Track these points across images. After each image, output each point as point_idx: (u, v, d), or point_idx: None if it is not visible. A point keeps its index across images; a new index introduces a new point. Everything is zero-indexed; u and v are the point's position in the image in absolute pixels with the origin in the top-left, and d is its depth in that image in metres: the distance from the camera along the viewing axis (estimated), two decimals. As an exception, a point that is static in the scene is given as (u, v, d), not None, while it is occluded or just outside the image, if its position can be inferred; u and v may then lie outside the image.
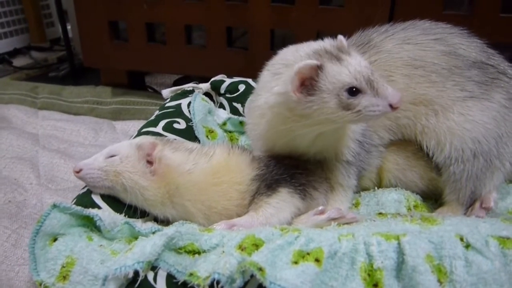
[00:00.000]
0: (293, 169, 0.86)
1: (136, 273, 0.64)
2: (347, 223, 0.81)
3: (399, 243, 0.67)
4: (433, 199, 1.01)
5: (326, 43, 0.81)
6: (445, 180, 0.94)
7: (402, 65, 0.93)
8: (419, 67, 0.92)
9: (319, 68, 0.76)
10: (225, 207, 0.83)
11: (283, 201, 0.83)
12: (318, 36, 1.56)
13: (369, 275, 0.66)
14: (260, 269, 0.60)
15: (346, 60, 0.78)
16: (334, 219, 0.82)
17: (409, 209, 0.96)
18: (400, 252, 0.67)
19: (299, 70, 0.75)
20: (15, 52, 2.70)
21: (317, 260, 0.64)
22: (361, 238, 0.69)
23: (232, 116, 1.31)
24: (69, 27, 2.41)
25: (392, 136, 0.98)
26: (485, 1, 1.37)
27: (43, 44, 2.86)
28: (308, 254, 0.65)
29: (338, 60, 0.77)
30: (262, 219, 0.81)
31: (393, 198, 0.98)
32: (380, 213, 0.94)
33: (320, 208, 0.84)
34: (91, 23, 1.81)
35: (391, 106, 0.76)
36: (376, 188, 1.02)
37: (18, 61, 2.61)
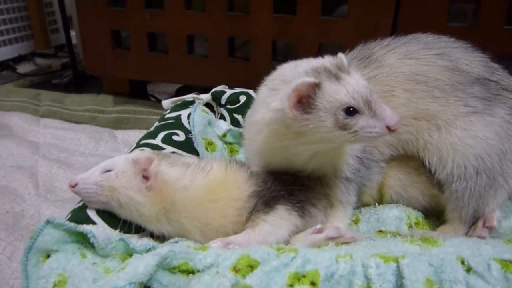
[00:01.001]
0: (291, 185, 0.85)
1: (128, 294, 0.63)
2: (345, 243, 0.80)
3: (398, 266, 0.66)
4: (435, 216, 0.99)
5: (326, 61, 0.80)
6: (447, 198, 0.92)
7: (404, 80, 0.91)
8: (421, 82, 0.91)
9: (316, 86, 0.75)
10: (221, 224, 0.82)
11: (281, 219, 0.81)
12: (320, 47, 1.55)
13: (366, 299, 0.64)
14: (254, 292, 0.58)
15: (345, 79, 0.76)
16: (332, 239, 0.80)
17: (410, 226, 0.95)
18: (399, 275, 0.65)
19: (297, 87, 0.74)
20: (20, 59, 2.72)
21: (313, 284, 0.62)
22: (359, 260, 0.67)
23: (233, 127, 1.30)
24: (73, 33, 2.42)
25: (393, 152, 0.96)
26: (489, 13, 1.35)
27: (48, 50, 2.87)
28: (304, 276, 0.63)
29: (337, 79, 0.76)
30: (259, 237, 0.79)
31: (394, 215, 0.96)
32: (381, 231, 0.92)
33: (318, 226, 0.82)
34: (93, 31, 1.81)
35: (388, 128, 0.75)
36: (376, 204, 1.01)
37: (23, 68, 2.62)
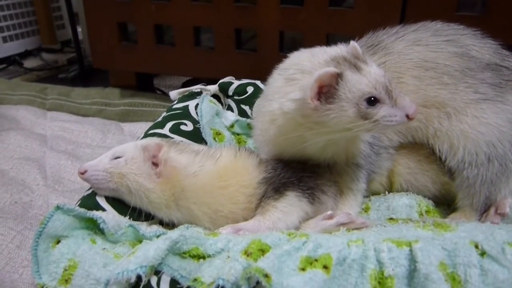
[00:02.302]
0: (301, 172, 0.84)
1: (139, 278, 0.62)
2: (356, 229, 0.79)
3: (411, 250, 0.65)
4: (445, 204, 0.98)
5: (343, 50, 0.80)
6: (458, 185, 0.91)
7: (413, 67, 0.91)
8: (430, 68, 0.90)
9: (339, 76, 0.74)
10: (231, 211, 0.81)
11: (291, 205, 0.81)
12: (327, 38, 1.54)
13: (379, 283, 0.63)
14: (266, 275, 0.58)
15: (365, 69, 0.76)
16: (343, 224, 0.80)
17: (420, 214, 0.94)
18: (412, 259, 0.64)
19: (320, 78, 0.73)
20: (26, 54, 2.72)
21: (325, 267, 0.62)
22: (371, 244, 0.66)
23: (240, 118, 1.29)
24: (79, 29, 2.42)
25: (402, 139, 0.95)
26: (498, 2, 1.34)
27: (54, 46, 2.87)
28: (316, 260, 0.63)
29: (357, 69, 0.76)
30: (269, 224, 0.79)
31: (404, 203, 0.95)
32: (391, 218, 0.92)
33: (329, 213, 0.82)
34: (100, 24, 1.81)
35: (407, 116, 0.75)
36: (386, 192, 1.00)
37: (29, 63, 2.62)
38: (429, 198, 0.98)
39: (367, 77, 0.75)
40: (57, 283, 0.67)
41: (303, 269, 0.62)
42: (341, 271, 0.64)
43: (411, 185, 0.98)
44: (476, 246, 0.65)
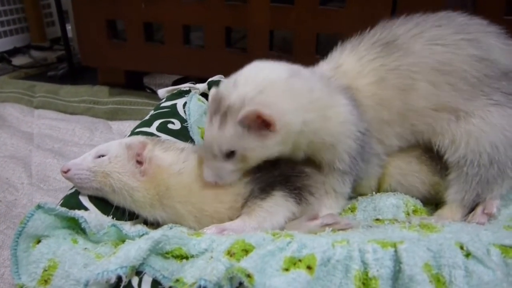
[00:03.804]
0: (289, 172, 0.83)
1: (119, 278, 0.61)
2: (341, 230, 0.78)
3: (395, 251, 0.64)
4: (433, 204, 0.98)
5: None
6: (453, 179, 0.89)
7: (428, 71, 0.86)
8: (447, 73, 0.86)
9: None
10: (216, 210, 0.80)
11: (277, 205, 0.80)
12: (318, 37, 1.53)
13: (363, 283, 0.62)
14: (248, 275, 0.57)
15: None
16: (328, 225, 0.79)
17: (407, 214, 0.93)
18: (397, 260, 0.63)
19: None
20: (15, 51, 2.69)
21: (309, 268, 0.61)
22: (356, 245, 0.66)
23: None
24: (69, 27, 2.40)
25: (403, 143, 0.93)
26: (488, 1, 1.34)
27: (43, 43, 2.84)
28: (299, 261, 0.62)
29: None
30: (255, 224, 0.78)
31: (391, 203, 0.95)
32: (377, 219, 0.91)
33: (313, 213, 0.81)
34: (89, 21, 1.79)
35: None
36: (374, 193, 0.99)
37: (18, 60, 2.59)
38: (416, 198, 0.97)
39: None
40: (37, 284, 0.66)
41: (287, 270, 0.61)
42: (325, 272, 0.63)
43: (401, 186, 0.97)
44: (461, 247, 0.64)
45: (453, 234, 0.68)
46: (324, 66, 0.94)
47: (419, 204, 0.96)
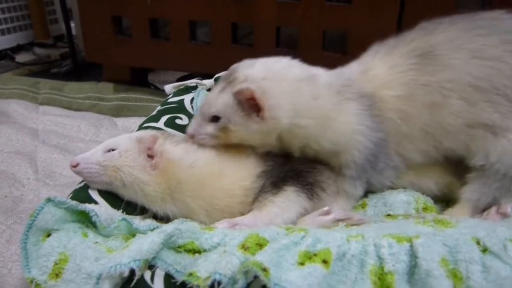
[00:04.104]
0: (301, 167, 0.83)
1: (132, 272, 0.60)
2: (354, 225, 0.77)
3: (411, 246, 0.63)
4: (444, 202, 0.97)
5: None
6: (473, 178, 0.85)
7: (464, 87, 0.80)
8: (484, 91, 0.80)
9: None
10: (227, 205, 0.79)
11: (289, 201, 0.79)
12: (324, 33, 1.52)
13: (379, 279, 0.62)
14: (264, 269, 0.56)
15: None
16: (340, 220, 0.78)
17: (417, 211, 0.92)
18: (413, 255, 0.63)
19: None
20: (18, 48, 2.68)
21: (324, 262, 0.60)
22: (371, 240, 0.65)
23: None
24: (72, 25, 2.39)
25: (427, 160, 0.89)
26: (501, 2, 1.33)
27: (47, 40, 2.84)
28: (315, 255, 0.61)
29: None
30: (266, 219, 0.77)
31: (402, 200, 0.93)
32: (389, 215, 0.90)
33: (326, 208, 0.80)
34: (94, 17, 1.78)
35: None
36: (384, 189, 0.98)
37: (21, 57, 2.59)
38: (427, 195, 0.96)
39: None
40: (47, 277, 0.65)
41: (302, 264, 0.60)
42: (340, 267, 0.62)
43: (413, 186, 0.95)
44: (478, 243, 0.63)
45: (468, 229, 0.67)
46: (354, 67, 0.91)
47: (429, 202, 0.95)
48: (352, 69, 0.91)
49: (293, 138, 0.83)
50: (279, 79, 0.79)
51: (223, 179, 0.80)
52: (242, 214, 0.80)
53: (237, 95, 0.78)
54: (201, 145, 0.84)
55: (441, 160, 0.88)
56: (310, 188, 0.81)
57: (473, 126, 0.82)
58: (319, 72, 0.85)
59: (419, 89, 0.82)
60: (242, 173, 0.81)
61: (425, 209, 0.93)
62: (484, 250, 0.63)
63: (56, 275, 0.65)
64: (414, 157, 0.88)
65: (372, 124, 0.84)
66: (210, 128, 0.82)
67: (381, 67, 0.87)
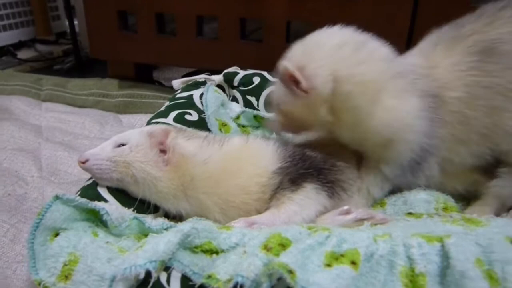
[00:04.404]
0: (320, 164, 0.79)
1: (148, 274, 0.57)
2: (377, 224, 0.74)
3: (442, 246, 0.60)
4: (465, 200, 0.93)
5: None
6: (505, 173, 0.81)
7: None
8: None
9: None
10: (244, 201, 0.76)
11: (308, 198, 0.75)
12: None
13: (410, 281, 0.58)
14: (290, 271, 0.52)
15: None
16: (362, 220, 0.74)
17: (437, 210, 0.88)
18: (444, 255, 0.59)
19: None
20: (20, 45, 2.64)
21: (353, 263, 0.56)
22: (400, 240, 0.61)
23: (246, 109, 1.24)
24: (76, 22, 2.36)
25: (476, 162, 0.84)
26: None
27: (49, 37, 2.80)
28: (342, 256, 0.57)
29: None
30: (285, 217, 0.73)
31: (422, 198, 0.89)
32: (410, 213, 0.86)
33: (346, 207, 0.76)
34: (99, 12, 1.74)
35: None
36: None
37: (23, 54, 2.54)
38: (448, 194, 0.92)
39: None
40: (56, 279, 0.61)
41: (329, 265, 0.56)
42: (368, 268, 0.58)
43: (437, 187, 0.91)
44: (512, 242, 0.60)
45: (500, 228, 0.63)
46: (416, 59, 0.85)
47: (450, 201, 0.90)
48: (415, 62, 0.85)
49: (344, 112, 0.78)
50: (314, 49, 0.78)
51: (238, 175, 0.76)
52: (258, 212, 0.76)
53: (281, 78, 0.78)
54: (217, 140, 0.80)
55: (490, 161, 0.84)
56: (330, 186, 0.77)
57: None
58: (373, 42, 0.80)
59: (481, 91, 0.77)
60: (259, 169, 0.77)
61: (445, 209, 0.89)
62: (519, 250, 0.59)
63: (66, 277, 0.61)
64: (464, 160, 0.84)
65: (429, 129, 0.79)
66: (276, 116, 0.86)
67: (442, 64, 0.82)
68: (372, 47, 0.79)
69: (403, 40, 1.40)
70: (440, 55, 0.83)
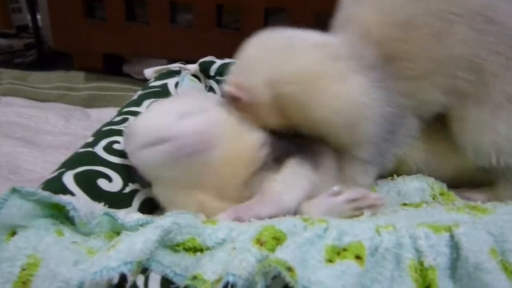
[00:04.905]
0: (299, 142, 0.74)
1: (123, 278, 0.48)
2: (371, 207, 0.68)
3: (451, 236, 0.54)
4: (456, 187, 0.89)
5: None
6: None
7: (474, 15, 0.74)
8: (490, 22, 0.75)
9: None
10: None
11: (293, 174, 0.70)
12: (316, 17, 1.43)
13: (420, 275, 0.52)
14: (289, 268, 0.45)
15: None
16: (354, 201, 0.68)
17: (434, 197, 0.84)
18: (454, 246, 0.53)
19: None
20: (-23, 38, 2.48)
21: (358, 257, 0.50)
22: (405, 230, 0.55)
23: (224, 99, 1.16)
24: (38, 16, 2.23)
25: (447, 97, 0.80)
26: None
27: (9, 30, 2.64)
28: (344, 250, 0.51)
29: None
30: (273, 200, 0.67)
31: (415, 187, 0.84)
32: (405, 204, 0.81)
33: (336, 188, 0.70)
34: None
35: None
36: (395, 176, 0.89)
37: (-20, 47, 2.39)
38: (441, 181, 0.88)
39: None
40: (12, 286, 0.52)
41: (331, 261, 0.49)
42: (373, 263, 0.52)
43: (426, 170, 0.87)
44: (523, 230, 0.55)
45: (509, 215, 0.59)
46: (347, 34, 0.80)
47: (445, 187, 0.87)
48: (348, 37, 0.80)
49: (294, 113, 0.75)
50: (246, 61, 0.79)
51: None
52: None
53: (227, 101, 0.78)
54: None
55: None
56: (312, 156, 0.72)
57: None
58: (300, 32, 0.78)
59: (419, 20, 0.75)
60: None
61: (442, 194, 0.85)
62: (531, 238, 0.55)
63: (24, 283, 0.52)
64: (435, 97, 0.79)
65: (387, 98, 0.76)
66: None
67: (371, 19, 0.78)
68: (299, 38, 0.77)
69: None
70: (367, 8, 0.80)
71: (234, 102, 0.76)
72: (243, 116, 0.77)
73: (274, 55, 0.75)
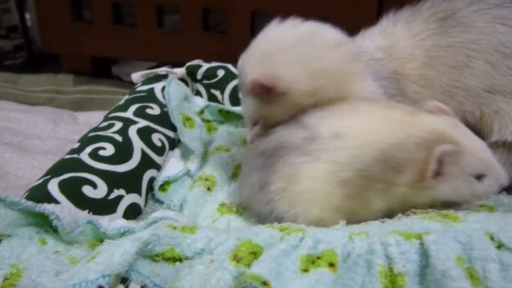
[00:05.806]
0: None
1: (102, 289, 0.50)
2: None
3: (421, 243, 0.56)
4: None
5: None
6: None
7: (488, 51, 0.80)
8: (508, 56, 0.80)
9: None
10: None
11: None
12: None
13: (389, 281, 0.54)
14: (265, 283, 0.48)
15: None
16: None
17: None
18: (424, 253, 0.56)
19: None
20: (-35, 39, 2.47)
21: (331, 265, 0.52)
22: (377, 238, 0.57)
23: (211, 103, 1.18)
24: (28, 16, 2.22)
25: None
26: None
27: (-2, 31, 2.63)
28: (318, 258, 0.53)
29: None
30: None
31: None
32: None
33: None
34: (50, 2, 1.63)
35: None
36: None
37: (-31, 49, 2.38)
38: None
39: None
40: (-5, 296, 0.54)
41: (306, 270, 0.52)
42: (345, 269, 0.54)
43: None
44: (492, 238, 0.57)
45: (479, 223, 0.61)
46: (373, 40, 0.86)
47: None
48: (372, 44, 0.86)
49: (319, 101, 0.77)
50: (271, 52, 0.76)
51: None
52: None
53: (252, 92, 0.76)
54: None
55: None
56: None
57: (492, 92, 0.81)
58: (323, 28, 0.80)
59: (442, 51, 0.81)
60: None
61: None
62: (499, 246, 0.57)
63: (7, 293, 0.54)
64: None
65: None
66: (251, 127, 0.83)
67: (402, 37, 0.84)
68: (325, 34, 0.79)
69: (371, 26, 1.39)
70: (401, 30, 0.85)
71: (265, 92, 0.74)
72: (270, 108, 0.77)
73: (306, 47, 0.75)
